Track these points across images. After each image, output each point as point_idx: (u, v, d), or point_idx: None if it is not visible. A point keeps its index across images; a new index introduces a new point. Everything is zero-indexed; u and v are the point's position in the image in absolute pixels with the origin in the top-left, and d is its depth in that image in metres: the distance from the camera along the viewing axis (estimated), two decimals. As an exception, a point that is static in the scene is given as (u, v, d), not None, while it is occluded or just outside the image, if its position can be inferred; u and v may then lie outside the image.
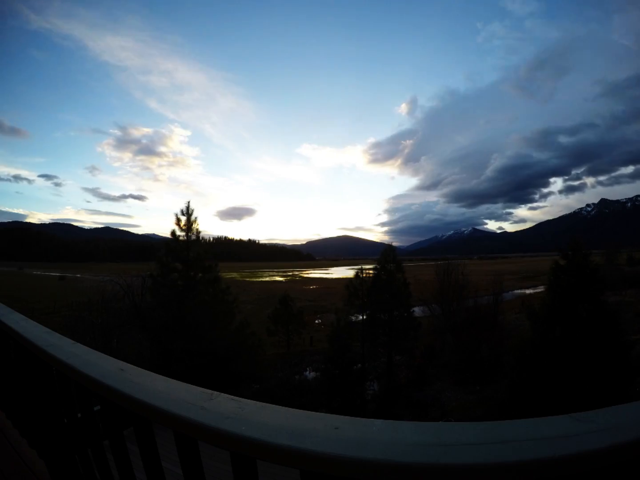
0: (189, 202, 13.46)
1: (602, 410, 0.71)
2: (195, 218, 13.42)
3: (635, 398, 10.38)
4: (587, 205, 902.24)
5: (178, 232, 13.24)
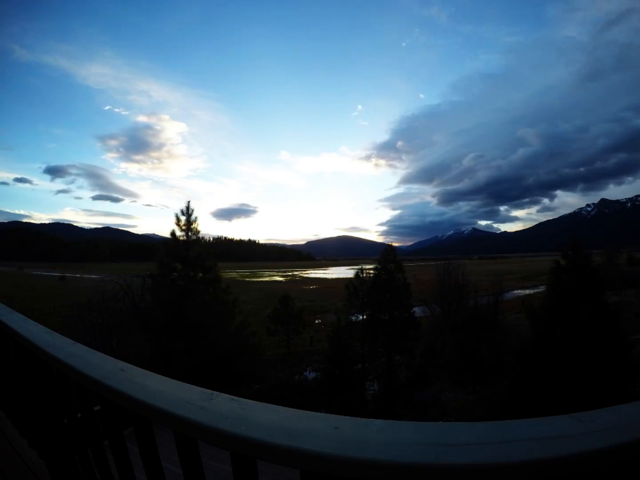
0: (188, 202, 13.48)
1: (602, 410, 0.71)
2: (195, 218, 13.43)
3: (635, 398, 10.38)
4: (587, 205, 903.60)
5: (178, 232, 13.25)
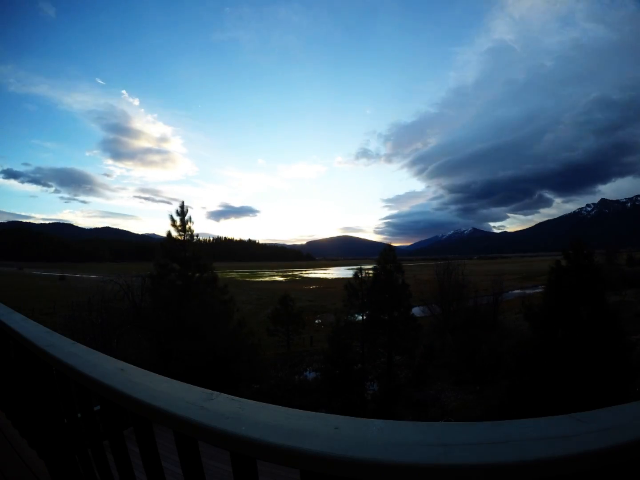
0: (182, 202, 13.51)
1: (602, 410, 0.71)
2: (190, 218, 13.47)
3: (635, 398, 10.37)
4: (587, 205, 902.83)
5: (174, 233, 13.27)
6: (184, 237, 13.28)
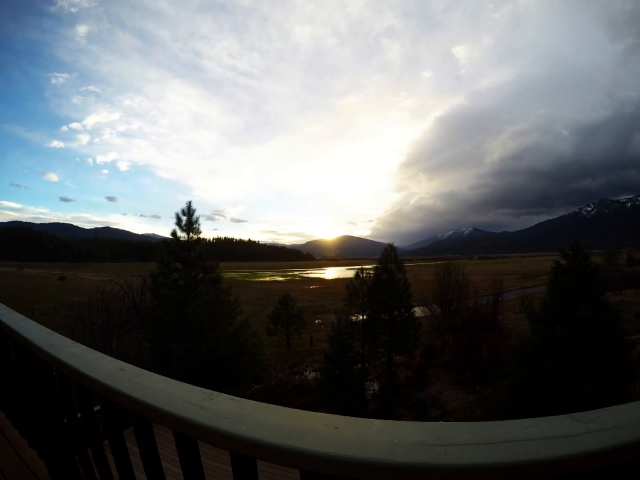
0: (190, 202, 13.50)
1: (602, 410, 0.71)
2: (197, 218, 13.43)
3: (635, 398, 10.37)
4: (587, 205, 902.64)
5: (179, 233, 13.23)
6: (190, 237, 13.25)
